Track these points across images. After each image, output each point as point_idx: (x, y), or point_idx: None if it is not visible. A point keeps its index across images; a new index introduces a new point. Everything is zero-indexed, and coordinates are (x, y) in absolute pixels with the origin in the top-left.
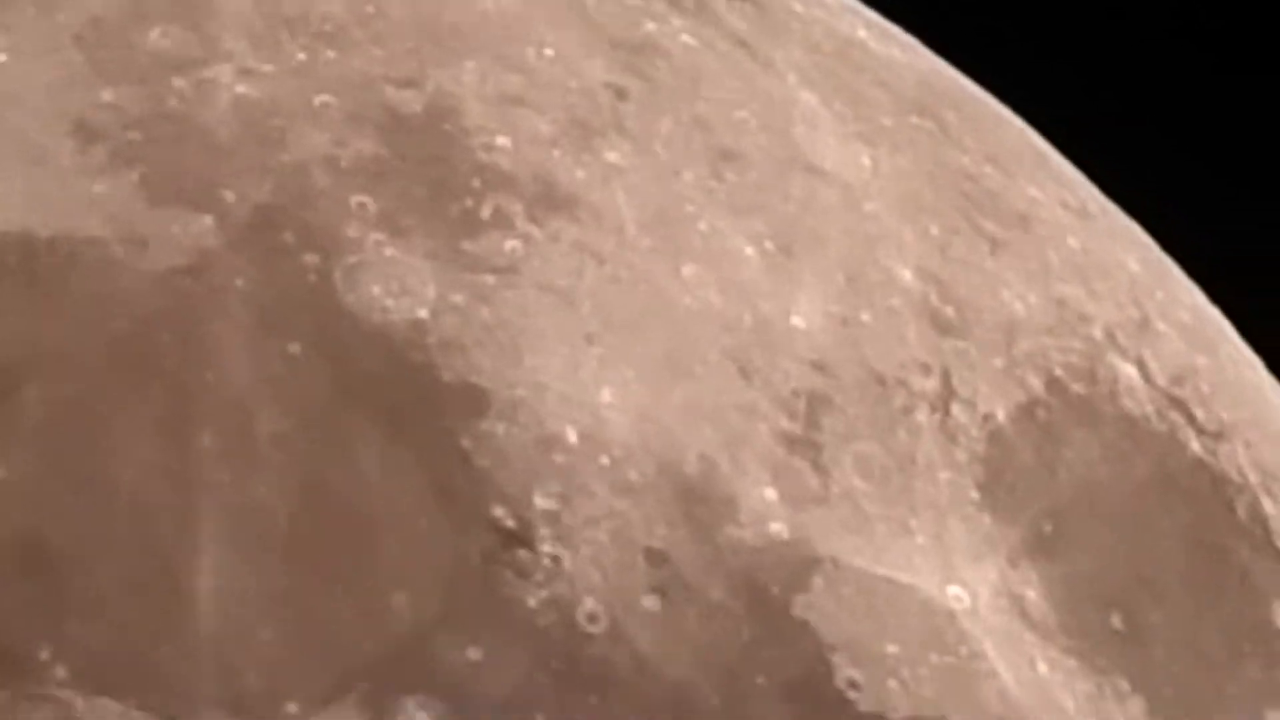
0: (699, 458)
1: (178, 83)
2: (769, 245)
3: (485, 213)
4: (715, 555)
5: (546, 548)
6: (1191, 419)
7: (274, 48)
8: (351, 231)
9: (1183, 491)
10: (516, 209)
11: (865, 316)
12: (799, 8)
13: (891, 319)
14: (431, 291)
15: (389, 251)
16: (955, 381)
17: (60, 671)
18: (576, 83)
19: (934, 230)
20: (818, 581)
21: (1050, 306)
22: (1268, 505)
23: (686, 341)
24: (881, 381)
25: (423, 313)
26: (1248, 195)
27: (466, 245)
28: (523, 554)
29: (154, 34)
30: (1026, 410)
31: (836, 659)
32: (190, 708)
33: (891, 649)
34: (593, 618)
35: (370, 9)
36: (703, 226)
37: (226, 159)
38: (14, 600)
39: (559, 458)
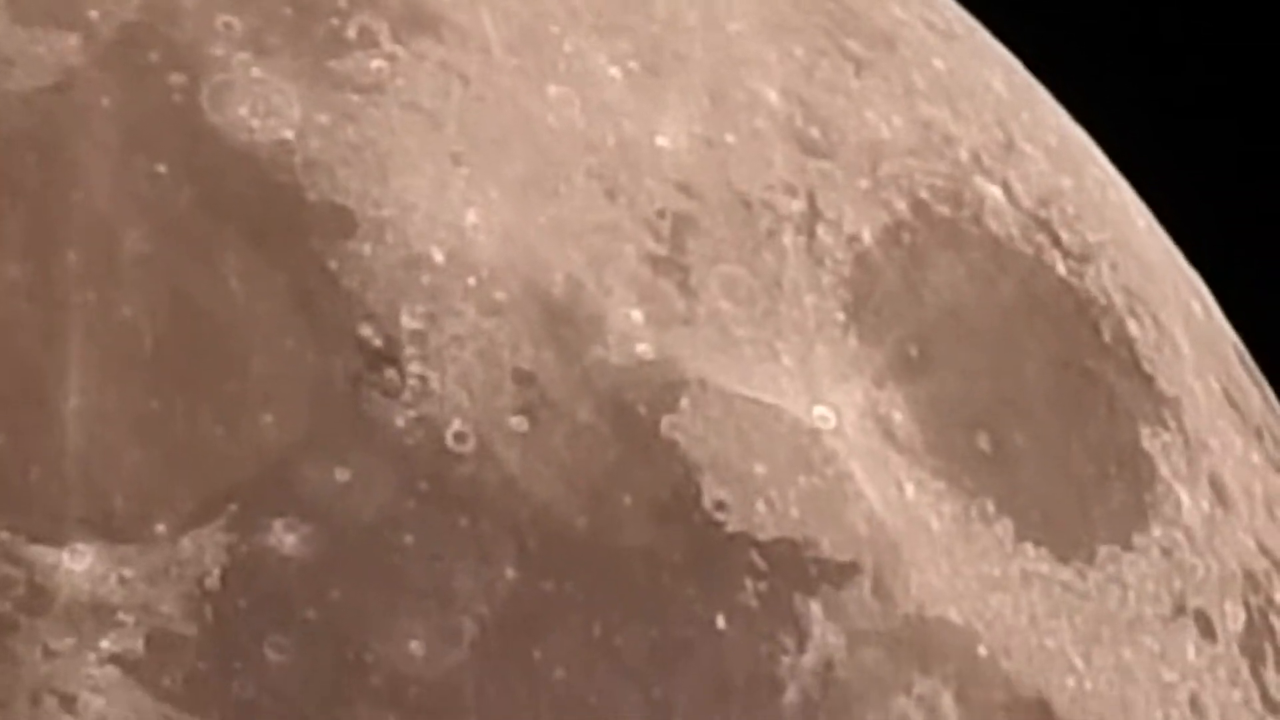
0: (565, 278)
1: None
2: (633, 66)
3: (351, 32)
4: (582, 376)
5: (414, 368)
6: (1057, 241)
7: None
8: (218, 50)
9: (1048, 313)
10: (382, 28)
11: (730, 138)
12: None
13: (756, 141)
14: (297, 112)
15: (255, 71)
16: (820, 204)
17: None
18: None
19: (798, 51)
20: (684, 403)
21: (915, 128)
22: (1133, 327)
23: (552, 162)
24: (747, 203)
25: (288, 133)
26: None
27: (332, 65)
28: (390, 374)
29: None
30: (892, 233)
31: (704, 480)
32: (57, 529)
33: (759, 470)
34: (460, 438)
35: None
36: (568, 47)
37: None
38: None
39: (426, 278)
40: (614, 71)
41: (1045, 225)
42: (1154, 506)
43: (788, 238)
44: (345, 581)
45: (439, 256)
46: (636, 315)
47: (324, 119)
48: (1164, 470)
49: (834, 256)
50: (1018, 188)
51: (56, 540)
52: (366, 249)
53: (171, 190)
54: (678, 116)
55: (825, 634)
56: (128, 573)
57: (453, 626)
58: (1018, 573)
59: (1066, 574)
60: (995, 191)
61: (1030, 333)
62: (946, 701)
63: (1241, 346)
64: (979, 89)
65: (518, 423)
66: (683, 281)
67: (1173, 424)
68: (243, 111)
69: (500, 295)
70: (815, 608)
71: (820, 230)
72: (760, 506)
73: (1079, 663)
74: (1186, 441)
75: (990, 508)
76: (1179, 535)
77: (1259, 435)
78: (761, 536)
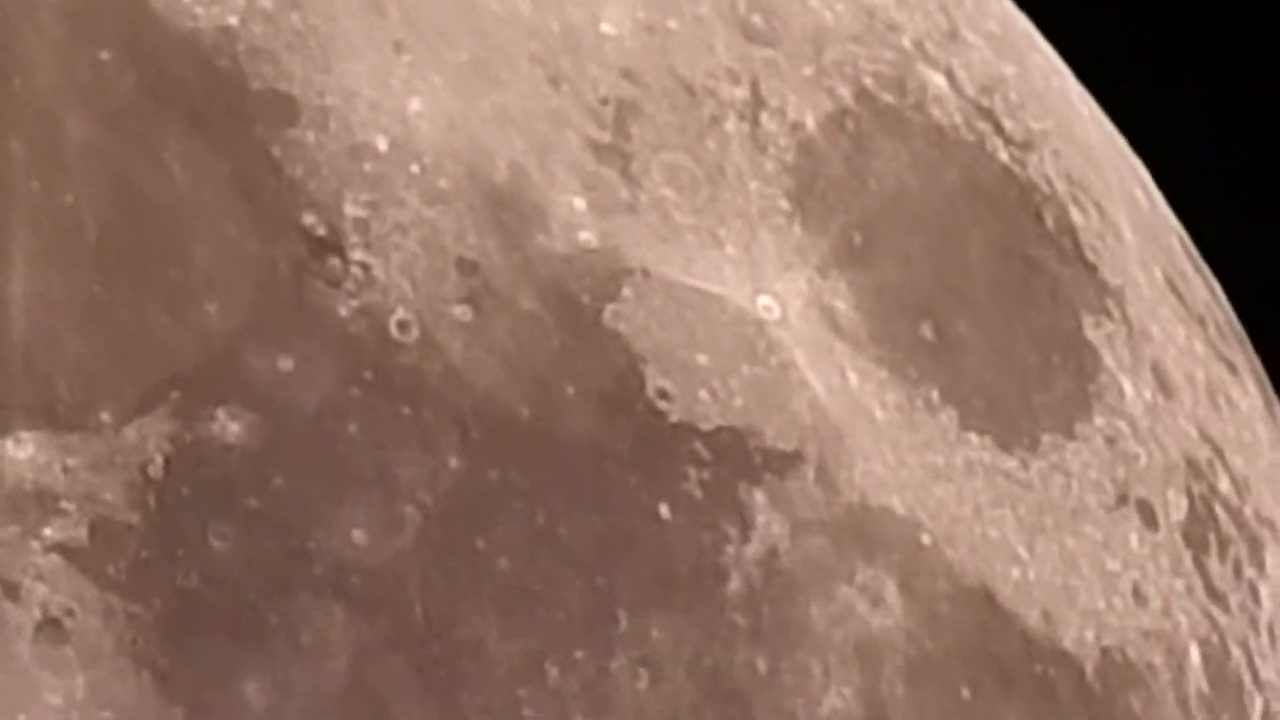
0: (508, 166)
1: None
2: None
3: None
4: (525, 264)
5: (357, 256)
6: (999, 129)
7: None
8: None
9: (991, 202)
10: None
11: (673, 24)
12: None
13: (700, 27)
14: None
15: None
16: (764, 91)
17: None
18: None
19: None
20: (627, 291)
21: (859, 15)
22: (1075, 215)
23: (495, 49)
24: (690, 90)
25: (232, 19)
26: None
27: None
28: (333, 262)
29: None
30: (836, 120)
31: (647, 369)
32: (2, 417)
33: (702, 359)
34: (404, 327)
35: None
36: None
37: None
38: None
39: (369, 166)
40: None
41: (988, 113)
42: (1097, 395)
43: (731, 125)
44: (288, 470)
45: (382, 144)
46: (579, 203)
47: (267, 5)
48: (1107, 359)
49: (777, 144)
50: (961, 75)
51: (0, 429)
52: (310, 137)
53: (115, 78)
54: (621, 2)
55: (769, 523)
56: (71, 461)
57: (396, 515)
58: (961, 462)
59: (1010, 463)
60: (939, 79)
61: (973, 221)
62: (890, 590)
63: (1185, 235)
64: None
65: (461, 312)
66: (626, 169)
67: (1116, 313)
68: None
69: (443, 183)
70: (759, 497)
71: (764, 117)
72: (704, 396)
73: (1022, 552)
74: (1129, 330)
75: (934, 397)
76: (1122, 424)
77: (1202, 323)
78: (705, 426)
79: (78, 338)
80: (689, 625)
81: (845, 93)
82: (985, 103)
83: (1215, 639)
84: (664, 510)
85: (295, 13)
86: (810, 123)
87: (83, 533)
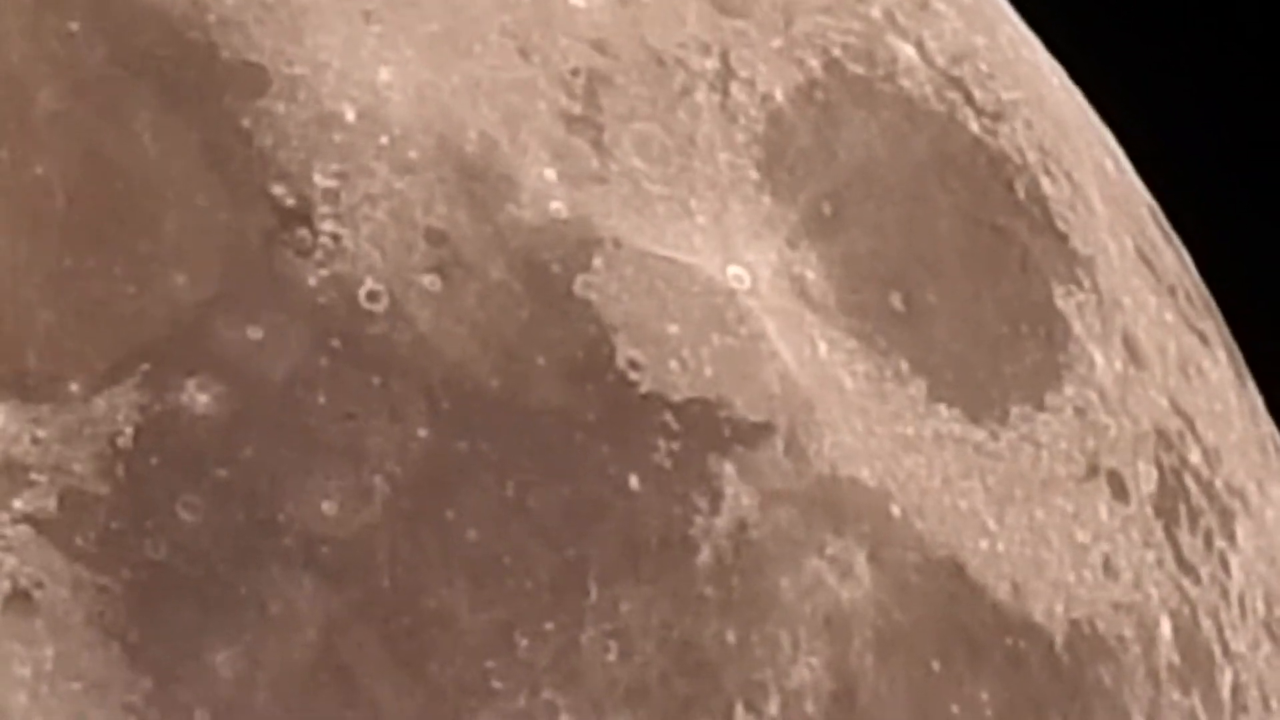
0: (479, 136)
1: None
2: None
3: None
4: (495, 234)
5: (326, 226)
6: (970, 99)
7: None
8: None
9: (961, 171)
10: None
11: None
12: None
13: None
14: None
15: None
16: (734, 61)
17: None
18: None
19: None
20: (598, 261)
21: None
22: (1046, 185)
23: (465, 20)
24: (661, 61)
25: None
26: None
27: None
28: (302, 232)
29: None
30: (805, 91)
31: (618, 339)
32: None
33: (672, 329)
34: (373, 296)
35: None
36: None
37: None
38: None
39: (338, 136)
40: None
41: (958, 83)
42: (1067, 366)
43: (701, 95)
44: (258, 440)
45: (351, 115)
46: (550, 174)
47: None
48: (1077, 329)
49: (748, 114)
50: (931, 46)
51: None
52: (279, 107)
53: (84, 48)
54: None
55: (739, 494)
56: (41, 432)
57: (365, 486)
58: (931, 433)
59: (979, 434)
60: (908, 50)
61: (943, 191)
62: (860, 562)
63: (1155, 206)
64: None
65: (430, 281)
66: (596, 139)
67: (1086, 282)
68: None
69: (413, 154)
70: (729, 468)
71: (734, 88)
72: (674, 366)
73: (992, 524)
74: (1100, 300)
75: (904, 367)
76: (1092, 395)
77: (1172, 293)
78: (675, 396)
79: (47, 308)
80: (658, 597)
81: (815, 63)
82: (955, 73)
83: (1186, 611)
84: (634, 481)
85: None
86: (779, 93)
87: (52, 504)
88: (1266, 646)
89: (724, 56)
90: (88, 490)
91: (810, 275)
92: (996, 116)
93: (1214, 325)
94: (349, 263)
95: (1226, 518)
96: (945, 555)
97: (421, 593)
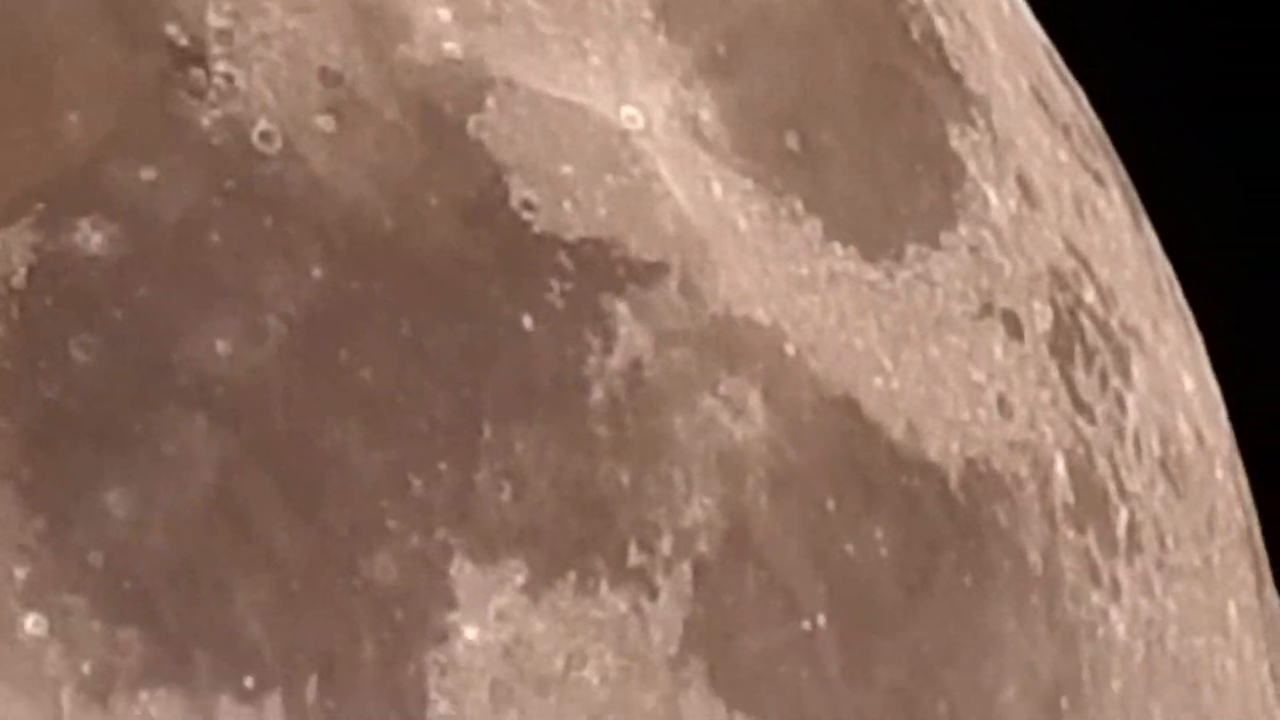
0: None
1: None
2: None
3: None
4: (389, 75)
5: (220, 66)
6: None
7: None
8: None
9: (856, 12)
10: None
11: None
12: None
13: None
14: None
15: None
16: None
17: None
18: None
19: None
20: (491, 102)
21: None
22: (941, 26)
23: None
24: None
25: None
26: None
27: None
28: (196, 73)
29: None
30: None
31: (511, 180)
32: None
33: (566, 170)
34: (267, 137)
35: None
36: None
37: None
38: None
39: None
40: None
41: None
42: (962, 205)
43: None
44: (151, 280)
45: None
46: (444, 13)
47: None
48: (972, 169)
49: None
50: None
51: None
52: None
53: None
54: None
55: (632, 334)
56: None
57: (259, 326)
58: (825, 272)
59: (874, 273)
60: None
61: (839, 31)
62: (754, 400)
63: (1051, 46)
64: None
65: (324, 122)
66: None
67: (981, 122)
68: None
69: None
70: (622, 308)
71: None
72: (567, 206)
73: (887, 362)
74: (994, 140)
75: (798, 207)
76: (986, 234)
77: (1067, 133)
78: (569, 236)
79: None
80: (552, 436)
81: None
82: None
83: (1081, 450)
84: (527, 321)
85: None
86: None
87: None
88: (1161, 486)
89: None
90: None
91: (705, 116)
92: None
93: (1110, 165)
94: (242, 103)
95: (1122, 356)
96: (840, 394)
97: (316, 434)
